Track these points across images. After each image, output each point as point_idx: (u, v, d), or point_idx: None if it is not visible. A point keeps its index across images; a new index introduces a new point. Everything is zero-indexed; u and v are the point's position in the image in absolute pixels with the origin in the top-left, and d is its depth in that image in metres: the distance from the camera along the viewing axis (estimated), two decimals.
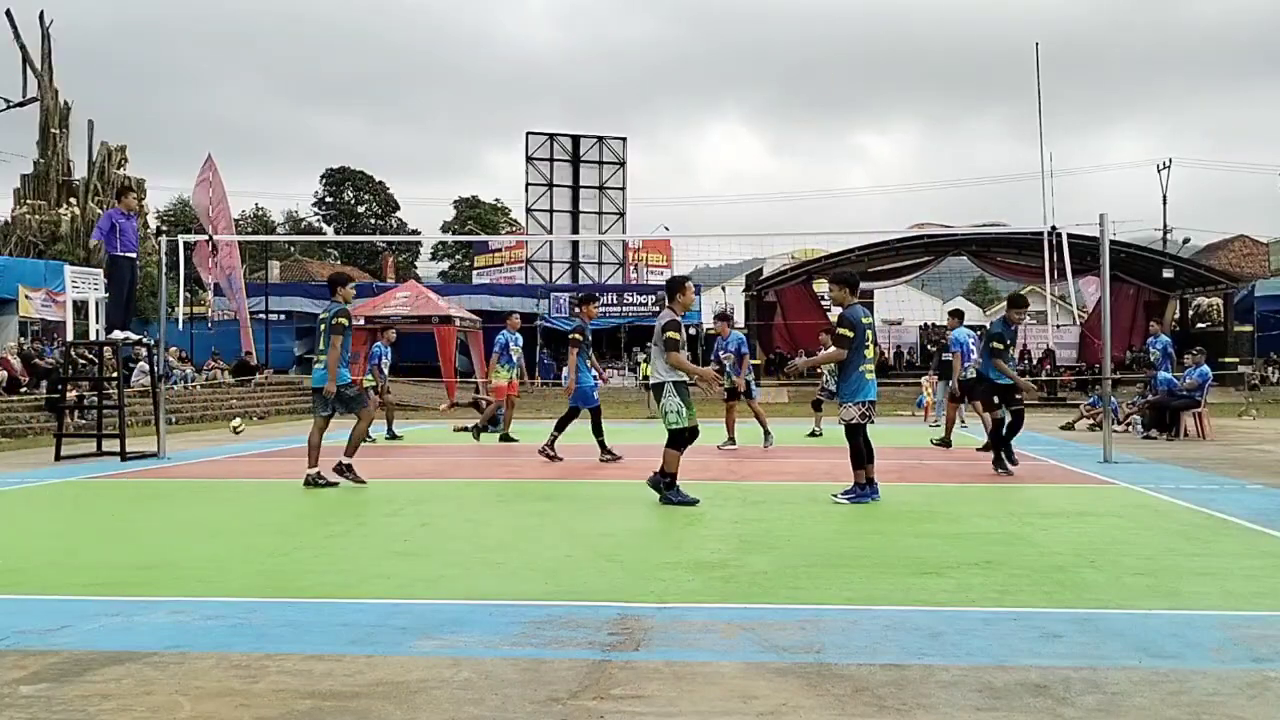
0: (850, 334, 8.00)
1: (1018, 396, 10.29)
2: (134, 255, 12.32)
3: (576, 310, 12.47)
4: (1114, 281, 22.01)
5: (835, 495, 8.06)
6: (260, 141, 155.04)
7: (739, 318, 37.54)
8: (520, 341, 14.87)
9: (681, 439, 8.04)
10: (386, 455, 12.50)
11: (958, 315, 14.25)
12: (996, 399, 10.29)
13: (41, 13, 35.55)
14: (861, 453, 8.07)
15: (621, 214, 40.69)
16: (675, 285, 8.44)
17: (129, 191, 13.25)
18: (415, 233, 66.14)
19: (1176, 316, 35.81)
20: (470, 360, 30.24)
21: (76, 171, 36.77)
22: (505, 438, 14.63)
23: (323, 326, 9.38)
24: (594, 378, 11.86)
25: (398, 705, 3.29)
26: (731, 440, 13.06)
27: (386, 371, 15.47)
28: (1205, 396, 15.60)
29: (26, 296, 23.62)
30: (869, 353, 8.10)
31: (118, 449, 12.15)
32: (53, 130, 35.66)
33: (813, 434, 15.15)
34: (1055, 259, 12.77)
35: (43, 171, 35.72)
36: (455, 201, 69.11)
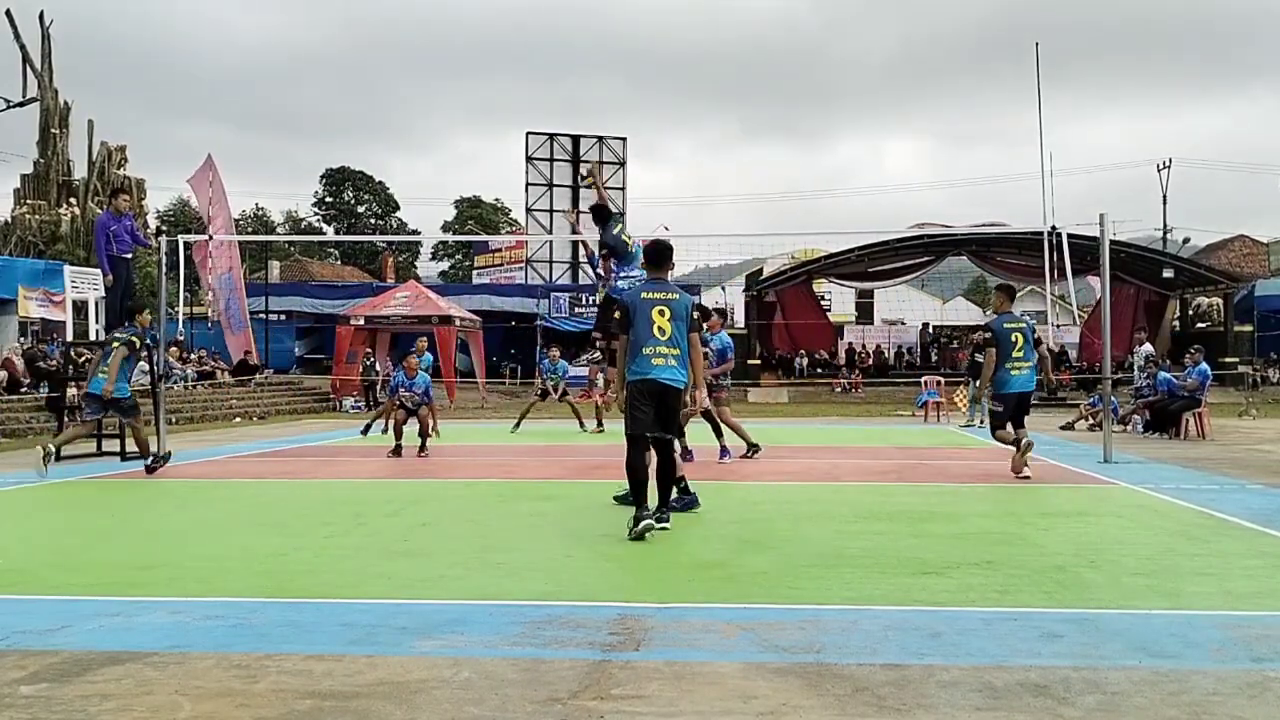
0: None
1: None
2: (128, 255, 12.31)
3: None
4: (1114, 281, 21.99)
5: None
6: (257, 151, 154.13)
7: (739, 318, 37.48)
8: None
9: None
10: (385, 455, 12.49)
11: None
12: None
13: (41, 13, 35.57)
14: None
15: (621, 214, 40.67)
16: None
17: (121, 193, 13.17)
18: (415, 233, 66.21)
19: (1177, 316, 35.79)
20: (470, 360, 30.20)
21: (76, 171, 36.74)
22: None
23: (115, 344, 10.69)
24: None
25: (398, 705, 3.29)
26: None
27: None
28: (1205, 396, 15.60)
29: (26, 296, 23.59)
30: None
31: (118, 449, 12.16)
32: (53, 130, 35.63)
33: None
34: (1055, 259, 12.73)
35: (43, 171, 35.68)
36: (456, 201, 69.17)
